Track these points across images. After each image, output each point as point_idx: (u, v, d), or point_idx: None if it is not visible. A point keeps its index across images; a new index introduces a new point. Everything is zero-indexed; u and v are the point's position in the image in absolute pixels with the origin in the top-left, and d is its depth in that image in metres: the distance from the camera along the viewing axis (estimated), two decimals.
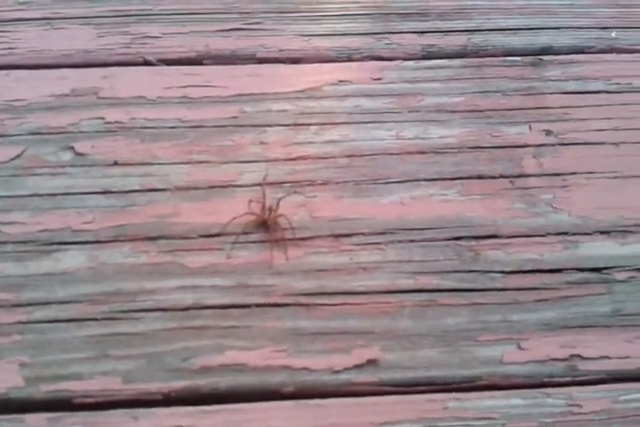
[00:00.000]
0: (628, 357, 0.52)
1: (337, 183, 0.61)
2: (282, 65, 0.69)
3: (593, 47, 0.72)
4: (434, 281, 0.55)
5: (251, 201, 0.58)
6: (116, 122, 0.62)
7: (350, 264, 0.56)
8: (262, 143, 0.63)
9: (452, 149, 0.64)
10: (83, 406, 0.47)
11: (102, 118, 0.62)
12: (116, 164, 0.60)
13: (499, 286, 0.55)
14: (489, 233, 0.58)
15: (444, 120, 0.66)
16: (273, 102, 0.66)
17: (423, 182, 0.62)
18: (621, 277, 0.56)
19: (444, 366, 0.51)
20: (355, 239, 0.57)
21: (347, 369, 0.50)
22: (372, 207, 0.59)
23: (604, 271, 0.57)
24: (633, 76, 0.68)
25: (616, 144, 0.65)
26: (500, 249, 0.57)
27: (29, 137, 0.60)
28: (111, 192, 0.58)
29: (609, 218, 0.60)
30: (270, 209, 0.57)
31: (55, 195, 0.58)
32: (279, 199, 0.58)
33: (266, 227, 0.57)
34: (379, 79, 0.68)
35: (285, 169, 0.62)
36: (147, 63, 0.66)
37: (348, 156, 0.63)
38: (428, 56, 0.69)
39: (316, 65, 0.70)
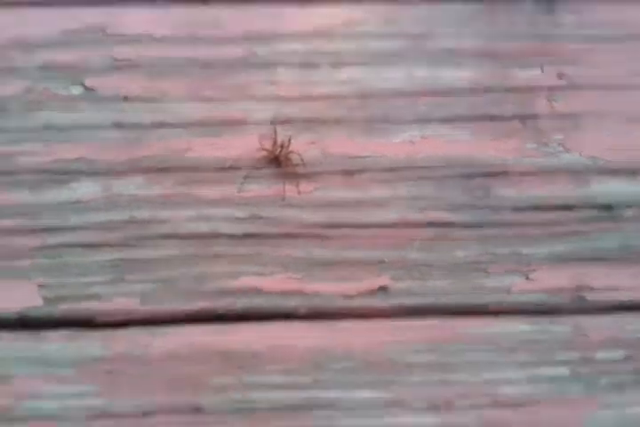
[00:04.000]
0: (634, 288, 0.57)
1: (348, 122, 0.66)
2: (291, 5, 0.73)
3: None
4: (444, 216, 0.60)
5: (262, 137, 0.61)
6: (124, 59, 0.67)
7: (361, 199, 0.61)
8: (273, 82, 0.67)
9: (465, 90, 0.69)
10: (101, 325, 0.52)
11: (110, 55, 0.67)
12: (125, 99, 0.64)
13: (509, 220, 0.60)
14: (500, 171, 0.64)
15: (456, 62, 0.71)
16: (283, 42, 0.71)
17: (435, 123, 0.66)
18: (630, 214, 0.61)
19: (453, 295, 0.56)
20: (365, 175, 0.63)
21: (359, 294, 0.55)
22: (382, 146, 0.65)
23: (614, 209, 0.62)
24: None
25: (628, 89, 0.70)
26: (512, 187, 0.63)
27: (39, 72, 0.64)
28: (123, 126, 0.62)
29: (619, 159, 0.65)
30: (282, 145, 0.63)
31: (67, 127, 0.62)
32: (290, 136, 0.63)
33: (277, 162, 0.62)
34: (390, 20, 0.73)
35: (296, 108, 0.66)
36: (153, 0, 0.70)
37: (360, 95, 0.68)
38: None
39: (326, 5, 0.74)
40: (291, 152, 0.61)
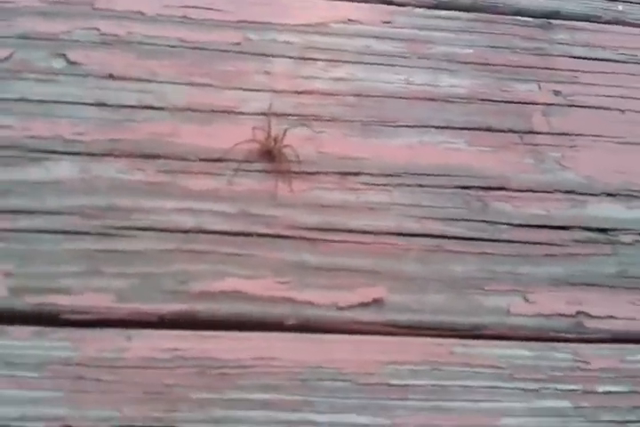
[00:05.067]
0: (633, 318, 0.54)
1: (344, 121, 0.61)
2: None
3: (600, 17, 0.75)
4: (441, 227, 0.56)
5: (255, 128, 0.56)
6: (112, 34, 0.61)
7: (356, 203, 0.56)
8: (267, 73, 0.62)
9: (462, 99, 0.65)
10: (70, 323, 0.43)
11: (97, 29, 0.61)
12: (111, 77, 0.58)
13: (506, 237, 0.57)
14: (498, 185, 0.60)
15: (454, 70, 0.67)
16: (279, 33, 0.65)
17: (432, 129, 0.62)
18: (627, 239, 0.58)
19: (450, 312, 0.52)
20: (361, 178, 0.58)
21: (351, 306, 0.50)
22: (379, 148, 0.60)
23: (610, 233, 0.59)
24: (639, 49, 0.71)
25: (622, 111, 0.67)
26: (508, 202, 0.59)
27: (18, 40, 0.58)
28: (106, 105, 0.57)
29: (615, 181, 0.62)
30: (276, 139, 0.57)
31: (45, 102, 0.56)
32: (285, 130, 0.58)
33: (271, 156, 0.57)
34: (388, 22, 0.68)
35: (291, 101, 0.61)
36: None
37: (356, 95, 0.63)
38: (439, 6, 0.71)
39: (325, 1, 0.69)
40: (285, 146, 0.54)
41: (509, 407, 0.47)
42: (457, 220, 0.56)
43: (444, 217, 0.56)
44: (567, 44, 0.71)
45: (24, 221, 0.49)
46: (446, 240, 0.55)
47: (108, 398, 0.43)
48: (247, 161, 0.55)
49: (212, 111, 0.58)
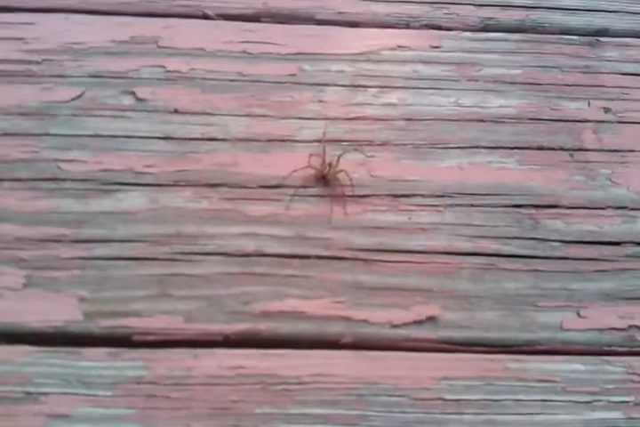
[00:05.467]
0: None
1: (395, 145, 0.63)
2: (340, 27, 0.71)
3: None
4: (493, 246, 0.57)
5: (311, 155, 0.60)
6: (175, 71, 0.65)
7: (409, 224, 0.57)
8: (321, 101, 0.65)
9: (512, 119, 0.66)
10: (142, 344, 0.46)
11: (163, 66, 0.65)
12: (176, 111, 0.62)
13: (558, 254, 0.58)
14: (549, 203, 0.61)
15: (502, 91, 0.68)
16: (331, 63, 0.68)
17: (482, 150, 0.64)
18: None
19: (503, 329, 0.52)
20: (413, 200, 0.60)
21: (406, 324, 0.52)
22: (430, 170, 0.62)
23: None
24: None
25: None
26: (560, 219, 0.60)
27: (89, 79, 0.63)
28: (172, 138, 0.60)
29: None
30: (330, 164, 0.60)
31: (116, 137, 0.60)
32: (339, 156, 0.60)
33: (325, 181, 0.59)
34: (437, 47, 0.70)
35: (344, 128, 0.63)
36: (205, 17, 0.68)
37: (407, 119, 0.65)
38: (487, 28, 0.72)
39: (374, 29, 0.71)
40: (339, 171, 0.56)
41: (562, 420, 0.48)
42: (508, 238, 0.57)
43: (495, 236, 0.58)
44: (616, 60, 0.71)
45: (99, 250, 0.53)
46: (498, 258, 0.56)
47: (178, 414, 0.46)
48: (303, 186, 0.58)
49: (269, 140, 0.61)
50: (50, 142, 0.58)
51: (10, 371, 0.47)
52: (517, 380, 0.49)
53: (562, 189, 0.61)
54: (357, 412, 0.46)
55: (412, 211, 0.58)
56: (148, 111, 0.61)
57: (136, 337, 0.49)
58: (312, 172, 0.59)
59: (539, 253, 0.56)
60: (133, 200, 0.55)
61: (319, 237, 0.55)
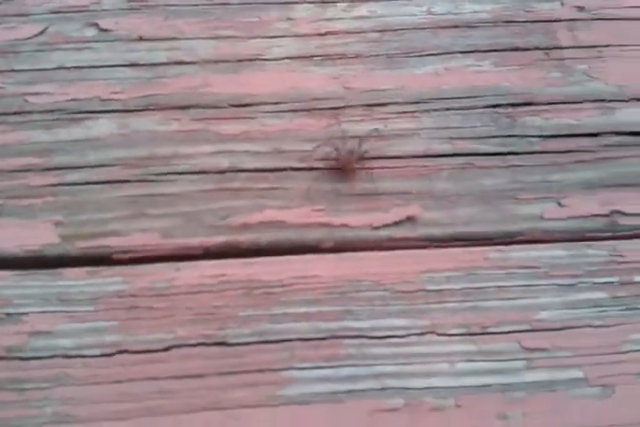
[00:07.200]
0: None
1: (368, 57, 0.63)
2: None
3: None
4: (470, 146, 0.57)
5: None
6: (138, 0, 0.60)
7: (385, 131, 0.57)
8: (290, 19, 0.65)
9: (486, 23, 0.66)
10: (121, 261, 0.47)
11: None
12: (141, 39, 0.63)
13: (537, 148, 0.58)
14: (526, 100, 0.61)
15: None
16: None
17: (457, 55, 0.64)
18: None
19: (484, 222, 0.52)
20: (389, 108, 0.60)
21: (386, 225, 0.52)
22: (405, 78, 0.62)
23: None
24: None
25: None
26: (538, 115, 0.60)
27: (52, 15, 0.64)
28: (138, 65, 0.61)
29: None
30: None
31: (81, 67, 0.61)
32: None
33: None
34: None
35: (314, 43, 0.64)
36: None
37: (379, 31, 0.65)
38: None
39: None
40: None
41: (546, 302, 0.48)
42: (486, 137, 0.57)
43: (472, 136, 0.58)
44: None
45: (70, 176, 0.53)
46: (476, 157, 0.56)
47: (162, 323, 0.47)
48: (276, 103, 0.58)
49: (239, 60, 0.61)
50: (15, 78, 0.58)
51: None
52: (499, 268, 0.49)
53: (538, 87, 0.60)
54: (340, 308, 0.47)
55: (388, 119, 0.58)
56: (112, 41, 0.61)
57: (115, 256, 0.49)
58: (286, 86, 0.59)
59: (517, 149, 0.56)
60: (102, 127, 0.56)
61: (294, 149, 0.56)
